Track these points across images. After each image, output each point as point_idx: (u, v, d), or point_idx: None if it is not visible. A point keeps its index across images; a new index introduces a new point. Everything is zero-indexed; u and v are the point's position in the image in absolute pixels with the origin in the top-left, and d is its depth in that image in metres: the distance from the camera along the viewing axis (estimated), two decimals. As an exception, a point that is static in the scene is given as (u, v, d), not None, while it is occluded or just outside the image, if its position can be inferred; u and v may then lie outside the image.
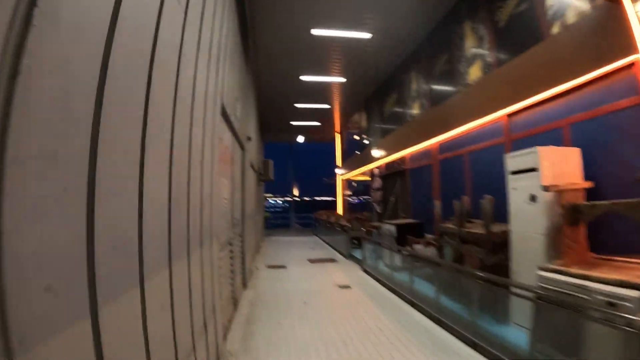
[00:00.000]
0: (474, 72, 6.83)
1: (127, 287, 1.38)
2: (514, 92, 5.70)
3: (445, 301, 4.82)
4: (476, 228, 4.82)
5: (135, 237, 1.47)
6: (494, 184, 5.93)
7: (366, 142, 14.74)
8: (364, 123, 14.68)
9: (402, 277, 6.31)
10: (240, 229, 5.92)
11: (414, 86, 9.11)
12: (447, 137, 7.33)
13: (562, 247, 3.84)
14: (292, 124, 16.44)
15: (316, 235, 16.98)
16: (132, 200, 1.45)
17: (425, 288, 5.38)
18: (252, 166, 8.76)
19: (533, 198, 4.02)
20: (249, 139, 7.20)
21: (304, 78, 10.41)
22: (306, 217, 23.79)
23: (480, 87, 6.54)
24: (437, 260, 4.95)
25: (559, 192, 3.87)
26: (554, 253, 3.94)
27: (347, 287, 6.68)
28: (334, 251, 11.39)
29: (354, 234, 10.32)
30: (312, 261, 9.58)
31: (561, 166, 4.17)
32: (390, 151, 10.29)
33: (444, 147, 7.60)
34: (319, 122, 16.28)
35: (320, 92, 12.03)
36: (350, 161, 16.50)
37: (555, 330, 3.34)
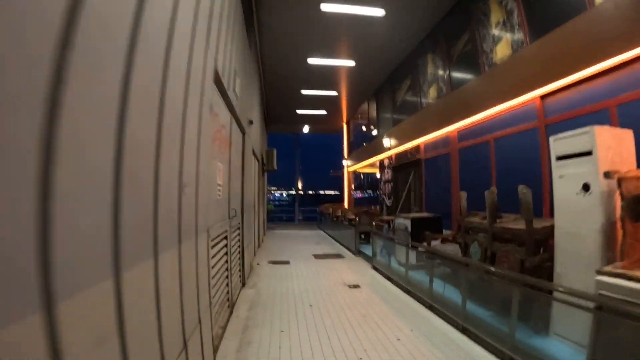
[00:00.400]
0: (501, 51, 6.14)
1: (14, 315, 0.77)
2: (550, 70, 5.03)
3: (472, 307, 4.21)
4: (511, 223, 4.17)
5: (31, 231, 0.85)
6: (525, 173, 5.28)
7: (375, 132, 14.10)
8: (373, 113, 14.00)
9: (418, 276, 5.71)
10: (239, 221, 5.32)
11: (431, 70, 8.41)
12: (469, 123, 6.66)
13: (622, 246, 3.20)
14: (297, 113, 15.77)
15: (321, 230, 16.41)
16: (20, 165, 0.82)
17: (447, 290, 4.76)
18: (254, 154, 8.14)
19: (586, 187, 3.37)
20: (250, 122, 6.58)
21: (311, 61, 9.73)
22: (310, 211, 23.31)
23: (509, 66, 5.84)
24: (464, 260, 4.30)
25: (619, 180, 3.21)
26: (611, 254, 3.29)
27: (356, 286, 6.08)
28: (341, 246, 10.79)
29: (362, 228, 9.70)
30: (317, 257, 8.98)
31: (618, 150, 3.51)
32: (402, 141, 9.62)
33: (464, 134, 6.93)
34: (325, 110, 15.58)
35: (328, 78, 11.32)
36: (358, 153, 15.85)
37: (622, 347, 2.71)
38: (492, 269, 3.72)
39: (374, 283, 6.38)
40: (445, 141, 7.56)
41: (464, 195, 4.91)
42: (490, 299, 4.09)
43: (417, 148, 8.90)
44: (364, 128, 18.16)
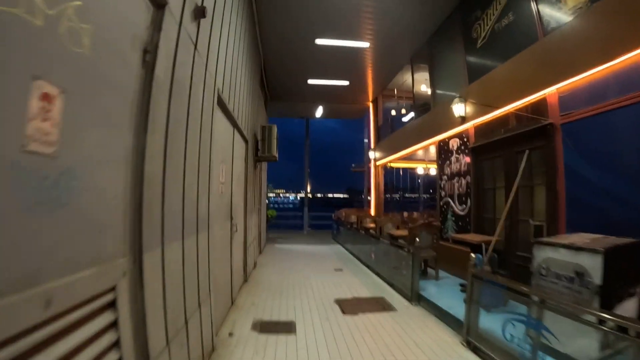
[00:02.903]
0: None
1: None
2: None
3: None
4: None
5: None
6: None
7: (408, 117, 10.32)
8: (421, 81, 10.18)
9: None
10: (116, 276, 1.51)
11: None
12: None
13: None
14: (309, 84, 11.92)
15: (339, 244, 12.59)
16: None
17: None
18: (223, 109, 4.35)
19: None
20: (201, 12, 2.80)
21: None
22: (321, 217, 19.77)
23: None
24: None
25: None
26: None
27: None
28: (378, 279, 6.94)
29: (425, 255, 5.88)
30: (346, 307, 5.15)
31: None
32: (497, 100, 5.76)
33: None
34: (348, 80, 11.73)
35: (356, 12, 7.49)
36: (393, 139, 11.97)
37: None
38: None
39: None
40: (630, 77, 3.69)
41: None
42: None
43: (538, 106, 5.02)
44: (393, 112, 14.35)
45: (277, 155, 8.03)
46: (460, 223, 6.78)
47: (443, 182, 7.52)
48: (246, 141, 6.46)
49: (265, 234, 12.37)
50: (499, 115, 5.84)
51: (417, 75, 10.42)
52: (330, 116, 17.03)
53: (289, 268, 8.03)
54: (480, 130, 6.39)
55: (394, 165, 13.13)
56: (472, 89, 6.57)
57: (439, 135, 7.79)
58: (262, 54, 9.39)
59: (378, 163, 13.24)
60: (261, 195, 10.22)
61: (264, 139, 7.59)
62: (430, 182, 21.09)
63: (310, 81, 11.68)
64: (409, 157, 12.38)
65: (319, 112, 15.39)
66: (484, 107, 6.12)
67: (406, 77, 11.58)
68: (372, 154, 13.67)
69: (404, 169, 14.18)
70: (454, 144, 7.14)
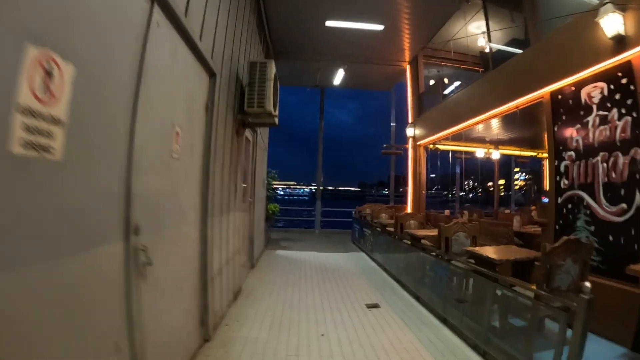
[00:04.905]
0: None
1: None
2: None
3: None
4: None
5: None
6: None
7: (450, 89, 7.36)
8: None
9: None
10: None
11: None
12: None
13: None
14: (327, 27, 8.87)
15: (363, 251, 9.75)
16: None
17: None
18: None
19: None
20: None
21: None
22: (334, 213, 17.12)
23: None
24: None
25: None
26: None
27: None
28: (453, 336, 4.06)
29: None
30: None
31: None
32: None
33: None
34: (381, 23, 8.67)
35: None
36: (445, 108, 8.96)
37: None
38: None
39: None
40: None
41: None
42: None
43: None
44: (432, 82, 11.34)
45: (276, 115, 5.11)
46: (611, 237, 3.81)
47: (564, 162, 4.52)
48: (212, 74, 3.58)
49: (263, 237, 9.57)
50: None
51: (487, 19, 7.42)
52: (352, 85, 14.01)
53: (291, 303, 5.17)
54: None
55: (440, 147, 10.14)
56: None
57: (550, 84, 4.80)
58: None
59: (420, 142, 10.20)
60: (255, 183, 7.34)
61: (253, 82, 4.67)
62: (469, 170, 17.96)
63: (330, 23, 8.66)
64: (455, 137, 9.46)
65: (339, 77, 12.37)
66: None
67: (465, 23, 8.53)
68: (410, 131, 10.61)
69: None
70: (593, 93, 4.12)
